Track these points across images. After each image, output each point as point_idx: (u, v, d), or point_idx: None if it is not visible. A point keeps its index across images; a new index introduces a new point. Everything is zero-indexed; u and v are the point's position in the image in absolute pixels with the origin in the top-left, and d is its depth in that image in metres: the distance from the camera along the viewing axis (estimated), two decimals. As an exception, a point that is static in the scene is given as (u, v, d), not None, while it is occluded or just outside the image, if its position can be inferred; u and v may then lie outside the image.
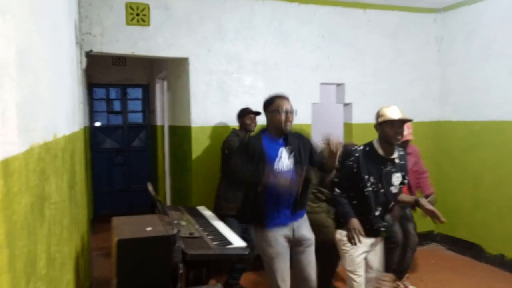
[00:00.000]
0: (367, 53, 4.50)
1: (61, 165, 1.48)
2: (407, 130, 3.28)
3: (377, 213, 2.56)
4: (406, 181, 2.65)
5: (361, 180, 2.49)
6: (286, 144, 2.55)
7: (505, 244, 4.11)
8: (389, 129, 2.43)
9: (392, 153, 2.52)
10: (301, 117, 4.23)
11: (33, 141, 0.93)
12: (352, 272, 2.58)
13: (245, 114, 3.63)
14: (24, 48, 0.86)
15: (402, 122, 2.44)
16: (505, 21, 4.07)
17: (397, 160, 2.56)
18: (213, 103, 3.96)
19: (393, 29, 4.59)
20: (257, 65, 4.09)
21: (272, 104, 2.55)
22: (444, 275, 3.99)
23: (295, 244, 2.61)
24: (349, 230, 2.45)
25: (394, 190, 2.58)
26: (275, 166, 2.47)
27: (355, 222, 2.44)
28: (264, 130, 2.62)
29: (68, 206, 1.69)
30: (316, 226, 2.99)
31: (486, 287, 3.75)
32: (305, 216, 2.70)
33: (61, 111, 1.56)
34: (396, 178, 2.56)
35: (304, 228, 2.63)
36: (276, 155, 2.50)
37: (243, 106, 4.03)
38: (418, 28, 4.71)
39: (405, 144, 3.26)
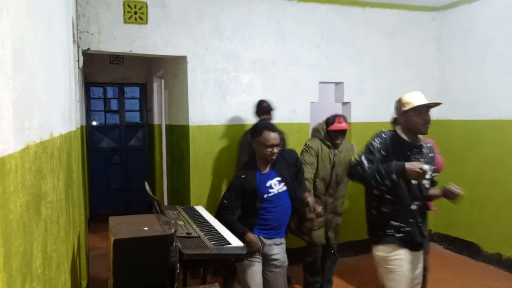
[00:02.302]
0: (365, 51, 4.50)
1: (58, 164, 1.47)
2: None
3: (413, 207, 2.31)
4: (435, 179, 2.43)
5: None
6: (275, 174, 2.65)
7: (502, 243, 4.12)
8: (417, 117, 2.23)
9: (418, 139, 2.33)
10: (300, 116, 4.24)
11: (29, 140, 0.93)
12: None
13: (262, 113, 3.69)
14: (19, 45, 0.85)
15: (428, 107, 2.25)
16: (503, 20, 4.08)
17: (425, 150, 2.35)
18: (211, 102, 3.95)
19: (391, 28, 4.60)
20: (255, 64, 4.08)
21: (260, 136, 2.57)
22: (441, 274, 4.00)
23: (268, 263, 2.66)
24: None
25: (426, 184, 2.36)
26: (266, 196, 2.59)
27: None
28: (254, 163, 2.68)
29: (64, 206, 1.68)
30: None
31: (484, 286, 3.76)
32: (283, 240, 2.73)
33: (57, 110, 1.55)
34: (429, 171, 2.30)
35: (279, 250, 2.67)
36: (267, 188, 2.61)
37: (241, 105, 4.02)
38: (416, 26, 4.72)
39: None
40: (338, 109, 4.79)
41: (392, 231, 2.33)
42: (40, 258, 1.03)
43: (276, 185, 2.63)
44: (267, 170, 2.65)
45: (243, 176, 2.63)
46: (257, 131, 2.60)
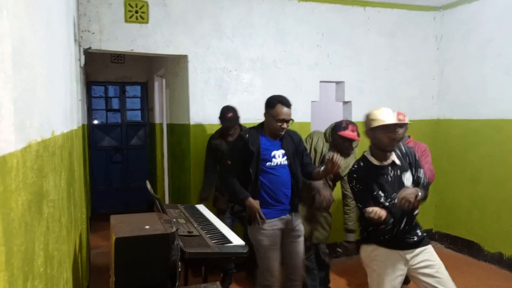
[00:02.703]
0: (366, 51, 4.49)
1: (59, 163, 1.47)
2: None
3: (402, 225, 2.29)
4: (422, 176, 2.35)
5: (375, 198, 2.26)
6: (281, 146, 2.70)
7: (503, 242, 4.12)
8: (383, 135, 2.20)
9: (386, 158, 2.29)
10: (300, 115, 4.24)
11: (31, 138, 0.93)
12: None
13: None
14: (18, 44, 0.85)
15: (396, 126, 2.22)
16: (502, 20, 4.07)
17: (397, 162, 2.31)
18: (212, 101, 3.95)
19: (392, 27, 4.59)
20: (255, 63, 4.08)
21: (273, 109, 2.61)
22: (442, 273, 3.99)
23: (286, 234, 2.77)
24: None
25: (408, 185, 2.31)
26: (267, 164, 2.66)
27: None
28: (260, 128, 2.75)
29: (66, 204, 1.68)
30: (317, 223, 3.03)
31: (485, 285, 3.76)
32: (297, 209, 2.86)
33: (58, 109, 1.55)
34: (407, 179, 2.31)
35: (296, 220, 2.79)
36: (270, 156, 2.67)
37: (241, 104, 4.02)
38: (416, 26, 4.71)
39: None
40: (339, 109, 4.79)
41: (378, 233, 2.32)
42: (42, 256, 1.03)
43: (279, 157, 2.68)
44: (273, 139, 2.69)
45: (246, 136, 2.67)
46: (271, 103, 2.64)
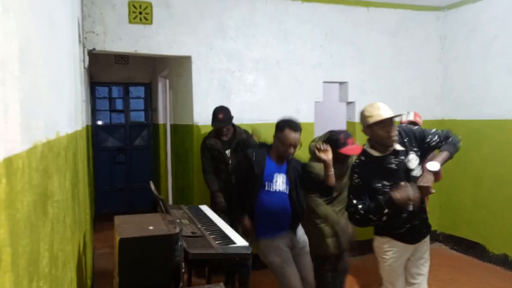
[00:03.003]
0: (369, 51, 4.48)
1: (64, 164, 1.47)
2: (415, 117, 3.26)
3: (410, 208, 2.26)
4: (436, 138, 2.29)
5: (376, 190, 2.27)
6: (286, 171, 2.68)
7: (508, 243, 4.10)
8: (381, 130, 2.19)
9: (386, 150, 2.29)
10: (304, 115, 4.23)
11: (36, 139, 0.93)
12: (392, 284, 2.38)
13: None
14: (25, 45, 0.86)
15: (392, 120, 2.20)
16: (506, 20, 4.05)
17: (398, 147, 2.28)
18: (215, 101, 3.95)
19: (395, 27, 4.58)
20: (258, 63, 4.08)
21: (281, 133, 2.57)
22: (447, 274, 3.98)
23: (293, 247, 2.74)
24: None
25: (417, 173, 2.30)
26: (267, 188, 2.64)
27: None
28: (268, 149, 2.72)
29: (71, 205, 1.69)
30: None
31: (490, 287, 3.74)
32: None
33: (63, 110, 1.55)
34: (411, 161, 2.27)
35: (299, 232, 2.78)
36: (272, 181, 2.65)
37: (245, 104, 4.02)
38: (420, 26, 4.69)
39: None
40: (342, 109, 4.78)
41: (391, 227, 2.35)
42: (47, 257, 1.04)
43: (282, 184, 2.66)
44: (279, 162, 2.68)
45: (254, 156, 2.66)
46: (280, 127, 2.61)
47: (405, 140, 2.32)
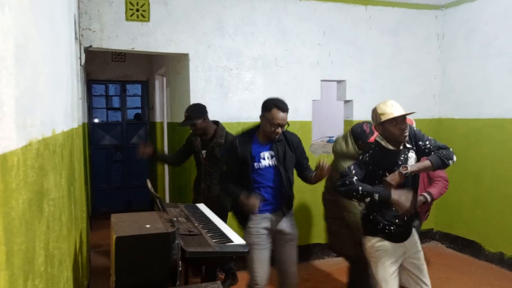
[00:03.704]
0: (367, 50, 4.48)
1: (60, 161, 1.46)
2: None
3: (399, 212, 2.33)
4: (428, 144, 2.35)
5: (376, 176, 2.32)
6: (271, 148, 2.68)
7: (504, 242, 4.11)
8: (394, 127, 2.24)
9: (398, 145, 2.34)
10: (302, 114, 4.23)
11: (32, 137, 0.92)
12: (386, 281, 2.39)
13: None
14: (22, 41, 0.85)
15: (404, 117, 2.25)
16: (505, 19, 4.06)
17: (408, 145, 2.35)
18: (212, 100, 3.94)
19: (394, 26, 4.58)
20: (256, 62, 4.08)
21: (268, 112, 2.58)
22: (443, 273, 3.99)
23: (275, 236, 2.74)
24: None
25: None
26: (256, 166, 2.65)
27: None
28: (253, 131, 2.73)
29: (67, 203, 1.68)
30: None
31: (486, 285, 3.75)
32: (289, 212, 2.80)
33: (59, 107, 1.54)
34: (410, 159, 2.33)
35: (284, 223, 2.74)
36: (259, 158, 2.66)
37: (243, 103, 4.02)
38: (419, 25, 4.70)
39: None
40: (340, 107, 4.78)
41: (380, 225, 2.41)
42: (43, 255, 1.03)
43: (268, 159, 2.67)
44: (265, 142, 2.68)
45: (237, 142, 2.67)
46: (267, 106, 2.60)
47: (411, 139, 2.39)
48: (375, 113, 2.32)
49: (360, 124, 2.82)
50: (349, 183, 2.28)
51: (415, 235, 2.52)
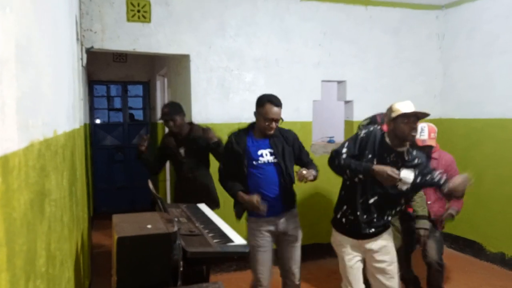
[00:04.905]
0: (368, 50, 4.48)
1: (62, 162, 1.47)
2: (430, 135, 3.09)
3: (371, 200, 2.39)
4: (438, 177, 2.37)
5: (363, 156, 2.37)
6: (269, 144, 2.68)
7: (506, 242, 4.11)
8: (404, 125, 2.29)
9: (401, 146, 2.37)
10: (302, 114, 4.23)
11: (33, 138, 0.92)
12: (349, 282, 2.47)
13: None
14: (24, 43, 0.85)
15: (417, 117, 2.31)
16: (507, 18, 4.05)
17: (406, 157, 2.39)
18: (214, 100, 3.95)
19: (395, 26, 4.58)
20: (258, 62, 4.08)
21: (262, 108, 2.59)
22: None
23: (279, 237, 2.74)
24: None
25: (402, 186, 2.33)
26: (256, 163, 2.65)
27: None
28: (249, 128, 2.74)
29: (68, 203, 1.68)
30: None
31: (487, 285, 3.75)
32: (293, 212, 2.79)
33: (61, 108, 1.55)
34: (403, 171, 2.30)
35: (288, 223, 2.73)
36: (257, 155, 2.66)
37: (244, 103, 4.02)
38: (420, 25, 4.69)
39: (426, 149, 3.01)
40: (340, 108, 4.78)
41: (340, 215, 2.50)
42: (44, 256, 1.03)
43: (266, 155, 2.66)
44: (262, 138, 2.68)
45: (233, 138, 2.68)
46: (261, 102, 2.61)
47: (416, 162, 2.39)
48: (390, 110, 2.39)
49: (377, 114, 3.03)
50: (337, 162, 2.38)
51: (380, 241, 2.49)
